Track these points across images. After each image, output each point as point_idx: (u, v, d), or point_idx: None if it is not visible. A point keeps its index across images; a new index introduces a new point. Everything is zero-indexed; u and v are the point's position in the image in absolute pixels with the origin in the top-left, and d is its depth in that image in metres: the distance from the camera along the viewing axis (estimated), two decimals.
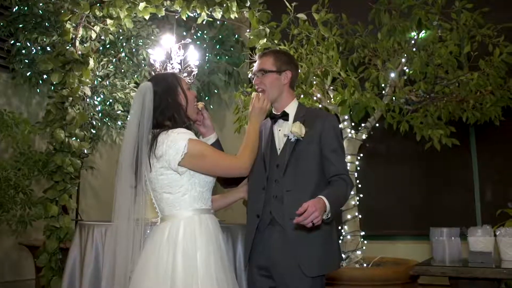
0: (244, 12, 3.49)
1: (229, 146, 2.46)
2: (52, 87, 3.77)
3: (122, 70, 4.85)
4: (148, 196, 1.89)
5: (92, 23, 3.80)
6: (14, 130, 3.97)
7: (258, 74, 2.14)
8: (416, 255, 3.69)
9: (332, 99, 3.58)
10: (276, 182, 2.04)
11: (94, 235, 2.75)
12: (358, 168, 3.74)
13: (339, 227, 3.54)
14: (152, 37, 4.88)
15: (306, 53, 3.43)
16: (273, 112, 2.17)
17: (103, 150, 5.59)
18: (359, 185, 3.83)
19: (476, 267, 2.34)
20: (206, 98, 5.72)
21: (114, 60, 4.78)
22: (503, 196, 4.33)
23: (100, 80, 4.69)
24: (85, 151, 4.09)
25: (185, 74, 4.19)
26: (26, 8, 4.55)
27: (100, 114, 4.80)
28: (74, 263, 2.89)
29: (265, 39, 3.37)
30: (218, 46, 5.74)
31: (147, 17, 3.65)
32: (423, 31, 3.59)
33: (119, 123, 4.94)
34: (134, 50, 4.86)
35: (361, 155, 3.88)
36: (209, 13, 3.54)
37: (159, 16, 3.64)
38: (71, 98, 3.60)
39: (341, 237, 3.55)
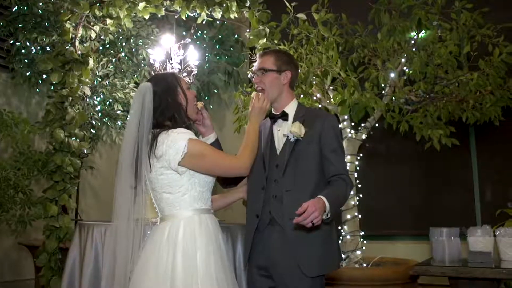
0: (244, 12, 3.49)
1: (228, 146, 2.47)
2: (52, 87, 3.77)
3: (122, 70, 4.85)
4: (148, 196, 1.89)
5: (91, 23, 3.80)
6: (14, 130, 3.96)
7: (258, 73, 2.14)
8: (416, 255, 3.69)
9: (332, 99, 3.58)
10: (275, 182, 2.04)
11: (94, 235, 2.75)
12: (358, 168, 3.74)
13: (339, 227, 3.54)
14: (152, 37, 4.88)
15: (306, 53, 3.43)
16: (273, 112, 2.17)
17: (103, 150, 5.59)
18: (359, 185, 3.83)
19: (475, 267, 2.34)
20: (206, 98, 5.72)
21: (113, 60, 4.77)
22: (502, 196, 4.33)
23: (100, 80, 4.69)
24: (85, 151, 4.09)
25: (185, 74, 4.19)
26: (25, 7, 4.54)
27: (99, 114, 4.79)
28: (74, 263, 2.89)
29: (265, 39, 3.37)
30: (217, 46, 5.74)
31: (146, 17, 3.65)
32: (423, 31, 3.59)
33: (119, 123, 4.94)
34: (133, 50, 4.86)
35: (361, 155, 3.88)
36: (209, 13, 3.54)
37: (159, 16, 3.64)
38: (70, 98, 3.60)
39: (341, 237, 3.55)
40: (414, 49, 3.56)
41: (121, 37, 4.74)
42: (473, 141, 4.61)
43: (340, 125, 3.64)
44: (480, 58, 3.58)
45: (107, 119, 4.90)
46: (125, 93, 4.75)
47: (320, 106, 3.57)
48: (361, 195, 3.82)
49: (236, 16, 3.51)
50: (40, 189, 3.86)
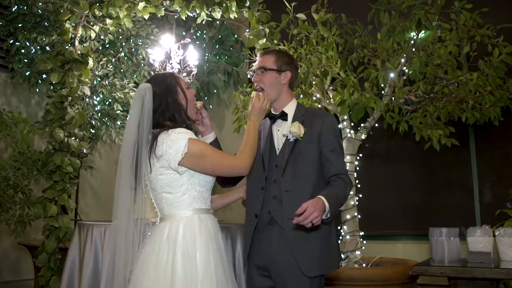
0: (244, 12, 3.49)
1: (228, 146, 2.47)
2: (51, 87, 3.77)
3: (122, 70, 4.85)
4: (147, 196, 1.89)
5: (91, 23, 3.79)
6: (13, 129, 3.97)
7: (258, 72, 2.14)
8: (416, 255, 3.70)
9: (332, 99, 3.58)
10: (275, 182, 2.04)
11: (93, 235, 2.75)
12: (358, 168, 3.74)
13: (338, 227, 3.55)
14: (152, 37, 4.87)
15: (306, 53, 3.43)
16: (272, 112, 2.17)
17: (102, 150, 5.59)
18: (359, 185, 3.83)
19: (475, 267, 2.34)
20: (206, 98, 5.72)
21: (113, 59, 4.77)
22: (502, 196, 4.34)
23: (100, 79, 4.69)
24: (84, 151, 4.09)
25: (185, 74, 4.19)
26: (25, 7, 4.54)
27: (99, 114, 4.79)
28: (73, 263, 2.89)
29: (265, 39, 3.37)
30: (217, 46, 5.74)
31: (146, 16, 3.65)
32: (423, 31, 3.59)
33: (119, 123, 4.94)
34: (133, 50, 4.86)
35: (361, 155, 3.88)
36: (209, 13, 3.54)
37: (159, 16, 3.64)
38: (70, 98, 3.59)
39: (340, 237, 3.55)
40: (413, 49, 3.56)
41: (120, 37, 4.74)
42: (472, 141, 4.61)
43: (340, 125, 3.63)
44: (479, 59, 3.57)
45: (106, 119, 4.90)
46: (124, 93, 4.75)
47: (319, 106, 3.57)
48: (360, 195, 3.82)
49: (236, 16, 3.51)
50: (39, 189, 3.86)
